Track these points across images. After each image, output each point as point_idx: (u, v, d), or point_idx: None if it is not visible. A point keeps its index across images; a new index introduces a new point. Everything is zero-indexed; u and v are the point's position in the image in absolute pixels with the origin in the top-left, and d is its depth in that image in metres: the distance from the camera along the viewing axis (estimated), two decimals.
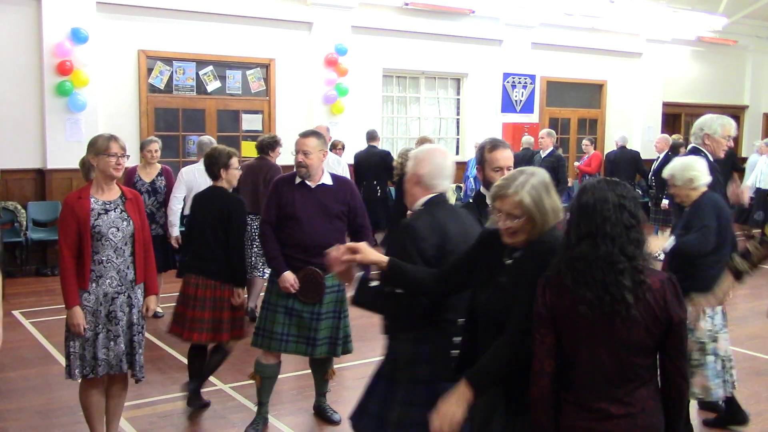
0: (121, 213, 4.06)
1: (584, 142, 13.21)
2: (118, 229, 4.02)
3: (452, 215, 3.13)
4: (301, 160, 4.46)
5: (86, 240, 3.94)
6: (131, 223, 4.07)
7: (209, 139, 7.68)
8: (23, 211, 9.54)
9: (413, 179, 3.13)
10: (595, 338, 2.43)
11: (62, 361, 5.92)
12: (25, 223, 9.48)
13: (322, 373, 4.86)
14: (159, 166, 7.30)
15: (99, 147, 4.03)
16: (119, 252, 4.04)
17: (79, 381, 4.13)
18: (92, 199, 4.01)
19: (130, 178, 7.07)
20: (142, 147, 7.31)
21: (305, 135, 4.56)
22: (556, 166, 10.06)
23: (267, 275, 5.14)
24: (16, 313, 7.55)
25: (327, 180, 4.59)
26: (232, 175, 4.95)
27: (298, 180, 4.54)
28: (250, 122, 11.44)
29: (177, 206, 7.02)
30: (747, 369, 6.01)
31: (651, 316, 2.38)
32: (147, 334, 5.19)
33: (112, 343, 4.03)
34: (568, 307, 2.45)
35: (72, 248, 3.95)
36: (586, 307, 2.39)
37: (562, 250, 2.50)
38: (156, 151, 7.22)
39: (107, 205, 4.03)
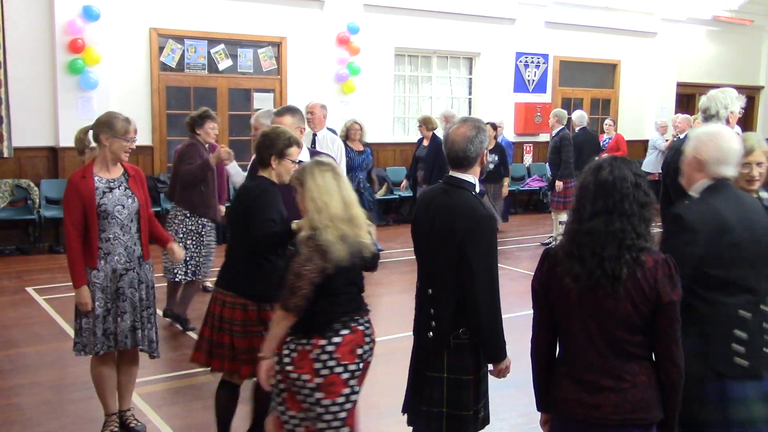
0: (125, 190, 4.07)
1: (607, 122, 13.02)
2: (124, 207, 4.04)
3: (735, 203, 2.87)
4: None
5: (92, 219, 3.96)
6: (136, 199, 4.09)
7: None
8: (36, 188, 9.59)
9: (692, 163, 2.95)
10: (584, 310, 2.47)
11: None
12: (37, 200, 9.54)
13: None
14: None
15: (118, 129, 4.00)
16: (126, 229, 4.06)
17: (90, 356, 4.16)
18: (96, 178, 4.01)
19: None
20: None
21: (280, 114, 4.36)
22: (559, 146, 10.12)
23: None
24: (29, 289, 7.61)
25: (305, 157, 4.29)
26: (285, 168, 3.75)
27: None
28: (262, 101, 11.41)
29: None
30: None
31: (639, 293, 2.40)
32: (159, 312, 5.21)
33: (119, 319, 4.07)
34: (559, 278, 2.50)
35: (78, 227, 3.96)
36: (570, 280, 2.45)
37: (569, 224, 2.54)
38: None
39: (111, 183, 4.04)
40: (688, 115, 11.66)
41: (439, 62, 13.37)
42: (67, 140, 9.61)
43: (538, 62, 13.87)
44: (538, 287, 2.64)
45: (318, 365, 3.00)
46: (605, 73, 15.33)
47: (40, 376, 5.28)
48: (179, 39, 10.64)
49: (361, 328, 3.13)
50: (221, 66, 11.05)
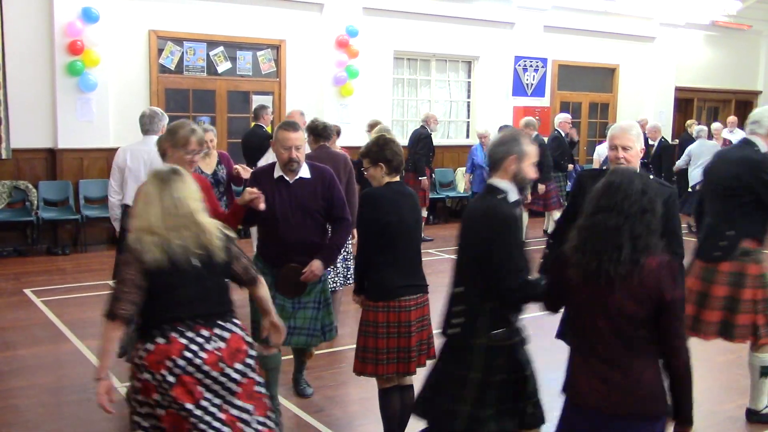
0: None
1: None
2: None
3: None
4: (294, 156, 4.20)
5: None
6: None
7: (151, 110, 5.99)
8: (34, 190, 9.57)
9: None
10: (592, 306, 2.62)
11: (73, 339, 6.02)
12: (36, 202, 9.52)
13: (300, 354, 4.99)
14: (216, 153, 6.38)
15: (178, 140, 3.90)
16: None
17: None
18: None
19: None
20: None
21: (295, 129, 4.27)
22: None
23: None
24: (27, 291, 7.60)
25: (305, 173, 4.30)
26: None
27: (277, 174, 4.27)
28: (261, 104, 11.42)
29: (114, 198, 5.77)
30: None
31: (642, 292, 2.54)
32: None
33: None
34: (569, 278, 2.68)
35: None
36: (574, 270, 2.62)
37: (580, 220, 2.70)
38: (212, 140, 6.21)
39: None
40: (657, 124, 12.51)
41: (438, 66, 13.39)
42: (65, 142, 9.64)
43: (537, 66, 13.90)
44: (553, 284, 2.88)
45: (135, 368, 2.98)
46: (604, 77, 15.36)
47: (38, 379, 5.27)
48: (178, 41, 10.64)
49: (182, 341, 2.93)
50: (220, 68, 11.06)
